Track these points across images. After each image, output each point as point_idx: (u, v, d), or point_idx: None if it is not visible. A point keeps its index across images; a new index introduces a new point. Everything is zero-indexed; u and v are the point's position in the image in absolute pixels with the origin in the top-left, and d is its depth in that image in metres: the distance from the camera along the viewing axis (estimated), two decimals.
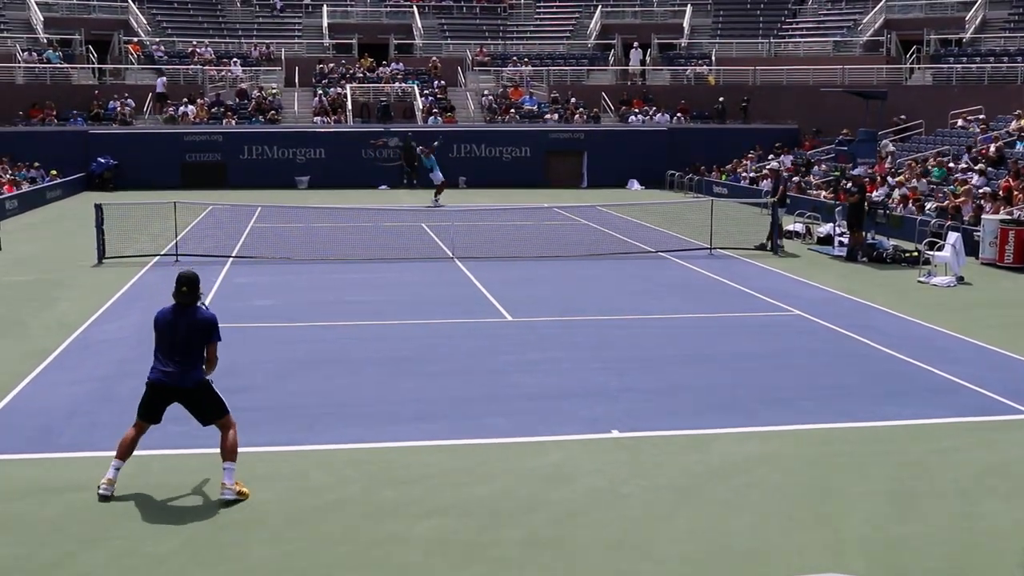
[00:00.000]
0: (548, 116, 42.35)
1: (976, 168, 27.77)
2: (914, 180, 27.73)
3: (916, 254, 20.81)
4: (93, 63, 43.07)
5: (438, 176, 32.77)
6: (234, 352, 13.13)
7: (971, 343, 13.88)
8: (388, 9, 49.45)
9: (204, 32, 47.28)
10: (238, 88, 42.85)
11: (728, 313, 15.88)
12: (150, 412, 8.41)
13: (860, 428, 10.12)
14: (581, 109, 42.49)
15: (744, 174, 36.95)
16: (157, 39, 45.45)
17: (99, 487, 8.13)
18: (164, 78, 41.66)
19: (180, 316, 8.34)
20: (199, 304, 8.56)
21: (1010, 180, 24.68)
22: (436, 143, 33.91)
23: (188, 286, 8.35)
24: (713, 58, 45.67)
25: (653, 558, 7.16)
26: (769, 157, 37.70)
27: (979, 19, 42.91)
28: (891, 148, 33.45)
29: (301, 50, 46.85)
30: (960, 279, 18.79)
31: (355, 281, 18.55)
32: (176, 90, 41.53)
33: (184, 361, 8.29)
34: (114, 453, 8.32)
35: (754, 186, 33.90)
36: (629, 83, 45.48)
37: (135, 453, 9.29)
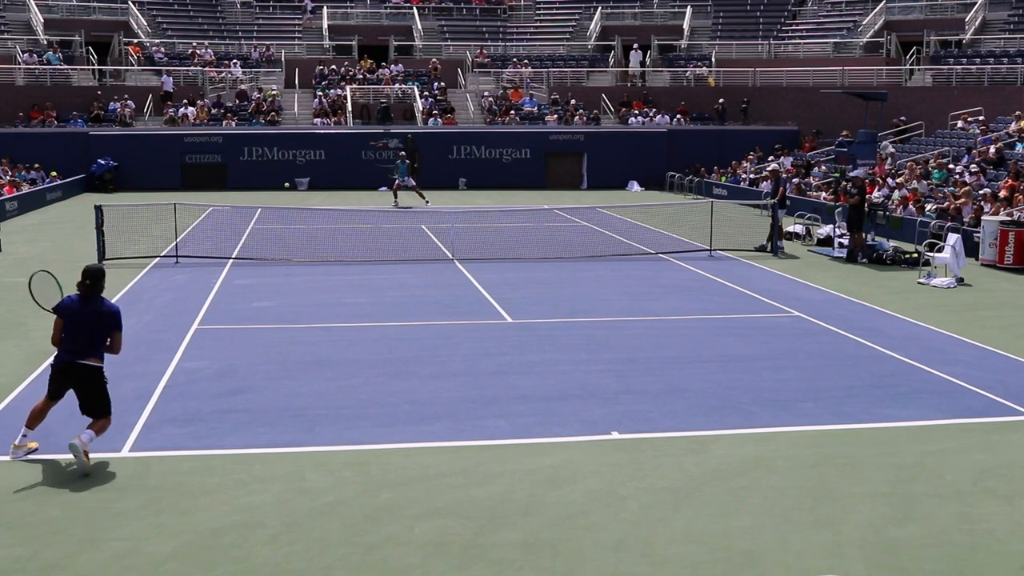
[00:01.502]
0: (548, 118, 42.36)
1: (975, 172, 27.78)
2: (914, 181, 27.74)
3: (916, 255, 20.82)
4: (93, 65, 43.09)
5: (407, 180, 33.15)
6: (233, 354, 13.16)
7: (971, 344, 13.89)
8: (388, 10, 49.47)
9: (204, 33, 47.30)
10: (238, 89, 42.87)
11: (728, 315, 15.88)
12: (55, 389, 9.26)
13: (859, 430, 10.12)
14: (581, 111, 42.50)
15: (744, 175, 36.96)
16: (157, 40, 45.47)
17: (12, 451, 9.08)
18: (170, 78, 41.67)
19: (85, 305, 9.18)
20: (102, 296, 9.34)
21: (1010, 181, 24.69)
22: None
23: (91, 279, 9.22)
24: (713, 59, 45.68)
25: (652, 560, 7.17)
26: (769, 158, 37.70)
27: (979, 20, 42.93)
28: (891, 149, 33.46)
29: (301, 51, 46.86)
30: (960, 280, 18.79)
31: (354, 283, 18.56)
32: (176, 91, 41.55)
33: (88, 345, 9.11)
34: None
35: (754, 187, 33.91)
36: (629, 84, 45.49)
37: (135, 454, 9.34)
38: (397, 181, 33.27)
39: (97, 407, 9.09)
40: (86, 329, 9.09)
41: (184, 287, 17.91)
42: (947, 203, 24.97)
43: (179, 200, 23.95)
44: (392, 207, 31.81)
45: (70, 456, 9.21)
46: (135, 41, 44.70)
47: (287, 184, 38.16)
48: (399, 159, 33.93)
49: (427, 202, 32.33)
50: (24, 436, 9.16)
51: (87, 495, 8.28)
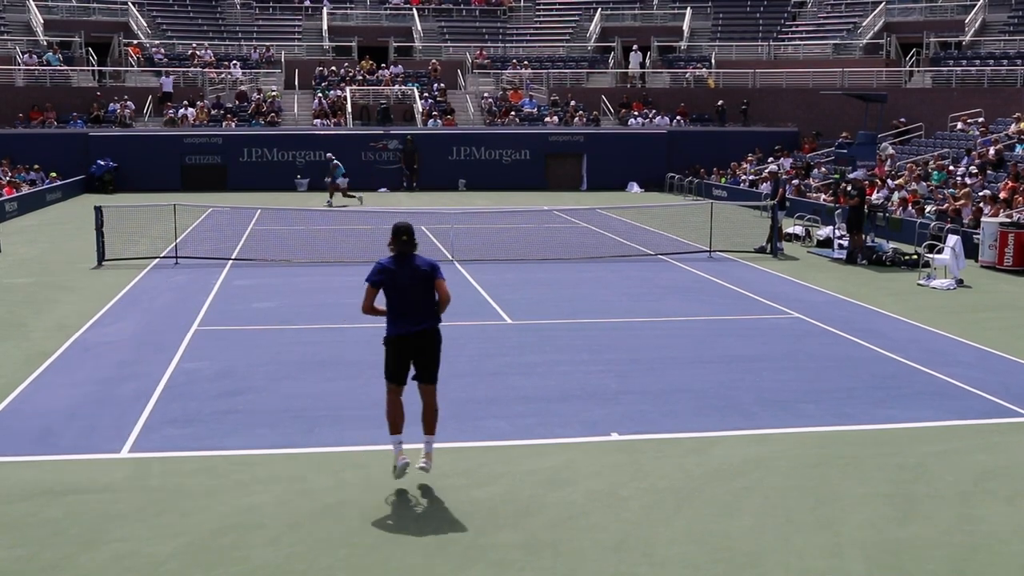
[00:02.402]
0: (548, 119, 42.37)
1: (975, 173, 27.80)
2: (914, 183, 27.75)
3: (916, 257, 20.83)
4: (93, 65, 43.10)
5: (342, 181, 33.90)
6: (233, 354, 13.15)
7: (971, 346, 13.89)
8: (388, 12, 49.48)
9: (204, 34, 47.30)
10: (238, 90, 42.88)
11: (727, 316, 15.88)
12: (399, 371, 8.46)
13: (860, 431, 10.12)
14: (581, 112, 42.52)
15: (744, 177, 36.97)
16: (157, 41, 45.48)
17: (394, 467, 8.35)
18: (170, 78, 41.67)
19: (403, 266, 8.44)
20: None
21: (1010, 182, 24.70)
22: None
23: (407, 234, 8.55)
24: (713, 61, 45.70)
25: (653, 560, 7.16)
26: (769, 160, 37.70)
27: (979, 22, 42.94)
28: (891, 151, 33.49)
29: (301, 53, 46.87)
30: (960, 282, 18.79)
31: (354, 283, 18.44)
32: (176, 92, 41.55)
33: (422, 309, 8.38)
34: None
35: (754, 189, 33.91)
36: (629, 86, 45.51)
37: (136, 455, 9.32)
38: (334, 182, 33.81)
39: (435, 371, 8.54)
40: (414, 292, 8.38)
41: (184, 288, 17.90)
42: (947, 205, 24.98)
43: (179, 201, 23.95)
44: (325, 206, 32.24)
45: (74, 458, 9.21)
46: (135, 42, 44.70)
47: (299, 176, 38.48)
48: (334, 164, 34.32)
49: (360, 201, 33.01)
50: (399, 445, 8.42)
51: (87, 496, 8.27)
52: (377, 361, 12.82)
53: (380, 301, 8.52)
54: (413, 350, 8.37)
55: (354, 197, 33.72)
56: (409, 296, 8.34)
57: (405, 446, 8.44)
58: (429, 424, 8.56)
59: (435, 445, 9.69)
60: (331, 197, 33.63)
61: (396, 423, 8.45)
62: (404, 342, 8.34)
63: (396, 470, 8.34)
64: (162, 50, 44.61)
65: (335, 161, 34.47)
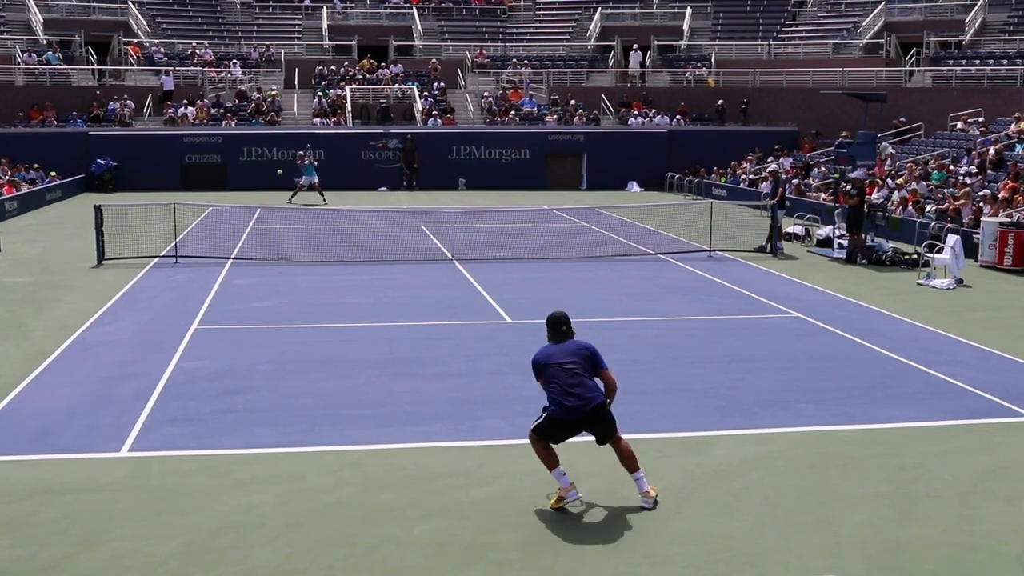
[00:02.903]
0: (548, 118, 42.36)
1: (975, 173, 27.80)
2: (913, 182, 27.75)
3: (915, 256, 20.82)
4: (93, 64, 43.08)
5: (311, 179, 33.86)
6: (233, 354, 13.15)
7: (970, 345, 13.88)
8: (388, 11, 49.47)
9: (204, 34, 47.28)
10: (238, 90, 42.86)
11: (727, 315, 15.88)
12: (558, 437, 8.28)
13: (859, 430, 10.12)
14: (581, 111, 42.50)
15: (743, 176, 36.97)
16: (157, 40, 45.46)
17: (563, 502, 8.07)
18: (170, 77, 41.65)
19: (560, 349, 8.41)
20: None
21: (1010, 182, 24.70)
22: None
23: (567, 324, 8.51)
24: (713, 60, 45.69)
25: (652, 560, 7.16)
26: (768, 159, 37.70)
27: (979, 22, 42.93)
28: (891, 150, 33.48)
29: (301, 52, 46.86)
30: (959, 281, 18.79)
31: (354, 283, 18.55)
32: (176, 92, 41.53)
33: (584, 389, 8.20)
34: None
35: (753, 188, 33.91)
36: (629, 85, 45.49)
37: (135, 454, 9.32)
38: (304, 181, 33.82)
39: (612, 430, 8.32)
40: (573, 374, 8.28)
41: (183, 287, 17.90)
42: (947, 204, 24.97)
43: (179, 200, 23.95)
44: (287, 202, 32.51)
45: (73, 457, 9.21)
46: (135, 41, 44.69)
47: (279, 171, 37.88)
48: (309, 162, 34.27)
49: (325, 201, 32.97)
50: (563, 476, 8.17)
51: (86, 495, 8.27)
52: (377, 360, 12.89)
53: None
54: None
55: (322, 196, 33.53)
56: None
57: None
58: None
59: (435, 445, 9.71)
60: (293, 195, 33.68)
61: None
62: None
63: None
64: (162, 49, 44.59)
65: (304, 155, 34.40)
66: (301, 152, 35.15)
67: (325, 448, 9.52)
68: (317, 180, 33.73)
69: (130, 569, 7.00)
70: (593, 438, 8.31)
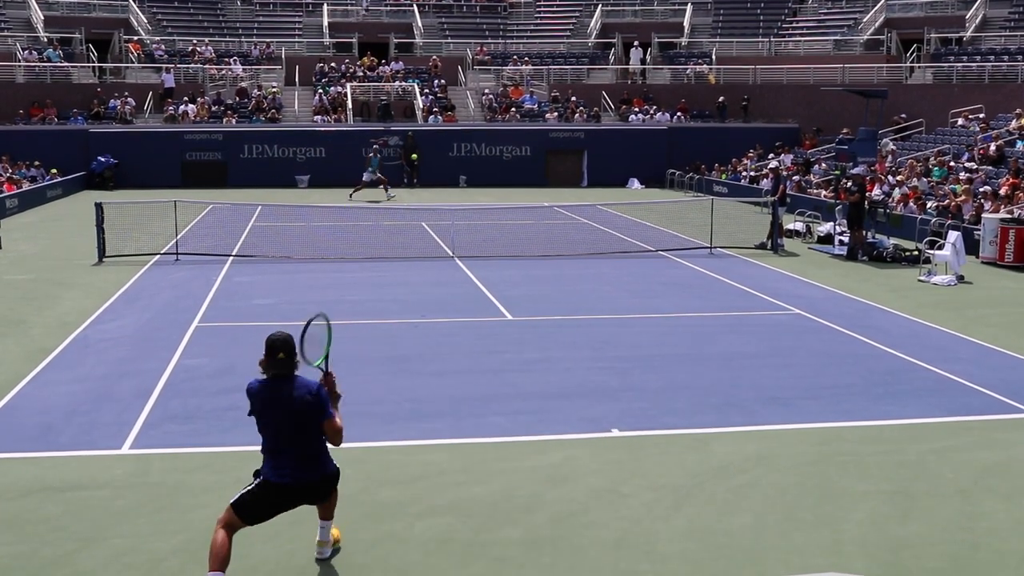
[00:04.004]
0: (548, 115, 42.34)
1: (975, 169, 27.78)
2: (914, 179, 27.73)
3: (916, 253, 20.82)
4: (93, 62, 43.07)
5: (373, 175, 34.37)
6: (233, 351, 13.14)
7: (971, 342, 13.88)
8: (388, 8, 49.44)
9: (204, 31, 47.28)
10: (238, 87, 42.84)
11: (728, 312, 15.88)
12: (257, 516, 6.69)
13: (860, 427, 10.12)
14: (581, 108, 42.48)
15: (744, 173, 36.95)
16: (157, 38, 45.46)
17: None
18: (171, 74, 41.63)
19: (276, 391, 6.57)
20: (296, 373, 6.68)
21: (1011, 178, 24.69)
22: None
23: (285, 351, 6.64)
24: (713, 57, 45.66)
25: (653, 557, 7.16)
26: (769, 156, 37.69)
27: (979, 18, 42.89)
28: (891, 147, 33.44)
29: (301, 49, 46.84)
30: (960, 278, 18.78)
31: (355, 280, 18.55)
32: (176, 89, 41.52)
33: (301, 452, 6.61)
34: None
35: (754, 185, 33.88)
36: (629, 82, 45.47)
37: (136, 452, 9.32)
38: (367, 177, 34.24)
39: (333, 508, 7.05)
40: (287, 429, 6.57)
41: (184, 284, 17.90)
42: (947, 201, 24.96)
43: (179, 197, 23.94)
44: (386, 201, 32.79)
45: (74, 454, 9.21)
46: (135, 38, 44.68)
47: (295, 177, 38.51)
48: (374, 155, 34.92)
49: (391, 197, 33.56)
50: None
51: (87, 493, 8.28)
52: (378, 357, 12.89)
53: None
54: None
55: (387, 192, 34.04)
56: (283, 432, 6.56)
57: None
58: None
59: (436, 442, 9.71)
60: (357, 190, 33.92)
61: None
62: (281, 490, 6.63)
63: None
64: (162, 46, 44.58)
65: (377, 149, 35.05)
66: (376, 146, 35.57)
67: None
68: (382, 175, 34.17)
69: (131, 566, 7.00)
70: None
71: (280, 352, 6.59)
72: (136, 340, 13.73)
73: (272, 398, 6.53)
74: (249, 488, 6.62)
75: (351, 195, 33.37)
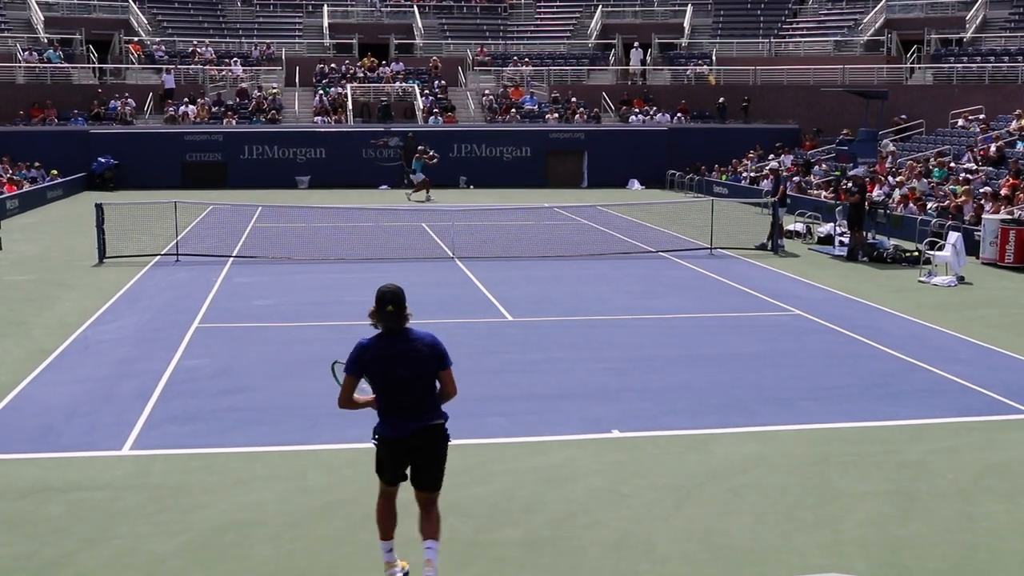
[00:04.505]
0: (548, 116, 42.34)
1: (974, 170, 27.77)
2: (914, 180, 27.73)
3: (917, 254, 20.81)
4: (94, 63, 43.08)
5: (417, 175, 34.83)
6: (234, 352, 13.15)
7: (972, 343, 13.88)
8: (389, 9, 49.45)
9: (205, 32, 47.29)
10: (239, 88, 42.85)
11: (728, 313, 15.88)
12: (392, 472, 6.76)
13: (860, 428, 10.12)
14: (582, 109, 42.48)
15: (744, 174, 36.95)
16: (158, 39, 45.46)
17: None
18: (171, 75, 41.63)
19: (391, 345, 6.63)
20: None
21: (1011, 179, 24.68)
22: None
23: (395, 304, 6.69)
24: (714, 58, 45.66)
25: (653, 558, 7.16)
26: (769, 157, 37.68)
27: (980, 19, 42.90)
28: (892, 148, 33.44)
29: (302, 50, 46.85)
30: (961, 279, 18.78)
31: (355, 281, 18.54)
32: (176, 90, 41.53)
33: (414, 404, 6.58)
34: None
35: (754, 186, 33.88)
36: (630, 83, 45.47)
37: (137, 453, 9.32)
38: (415, 177, 34.66)
39: (438, 476, 6.80)
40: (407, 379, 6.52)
41: (184, 285, 17.90)
42: (948, 201, 24.96)
43: (179, 198, 23.96)
44: (425, 201, 33.38)
45: (75, 455, 9.21)
46: (135, 39, 44.69)
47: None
48: (418, 158, 35.18)
49: (427, 199, 33.69)
50: (390, 552, 6.84)
51: (88, 494, 8.28)
52: None
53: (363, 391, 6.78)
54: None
55: (427, 194, 34.40)
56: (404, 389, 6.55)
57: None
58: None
59: None
60: (415, 191, 34.48)
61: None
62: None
63: None
64: (163, 47, 44.59)
65: (423, 149, 35.45)
66: (422, 148, 35.93)
67: (326, 446, 9.52)
68: (424, 176, 34.50)
69: (131, 567, 7.01)
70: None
71: (389, 304, 6.66)
72: (136, 341, 13.73)
73: (386, 352, 6.58)
74: (376, 453, 6.75)
75: (410, 197, 34.12)
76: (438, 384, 6.67)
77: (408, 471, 6.77)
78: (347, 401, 6.73)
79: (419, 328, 6.86)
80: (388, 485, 6.78)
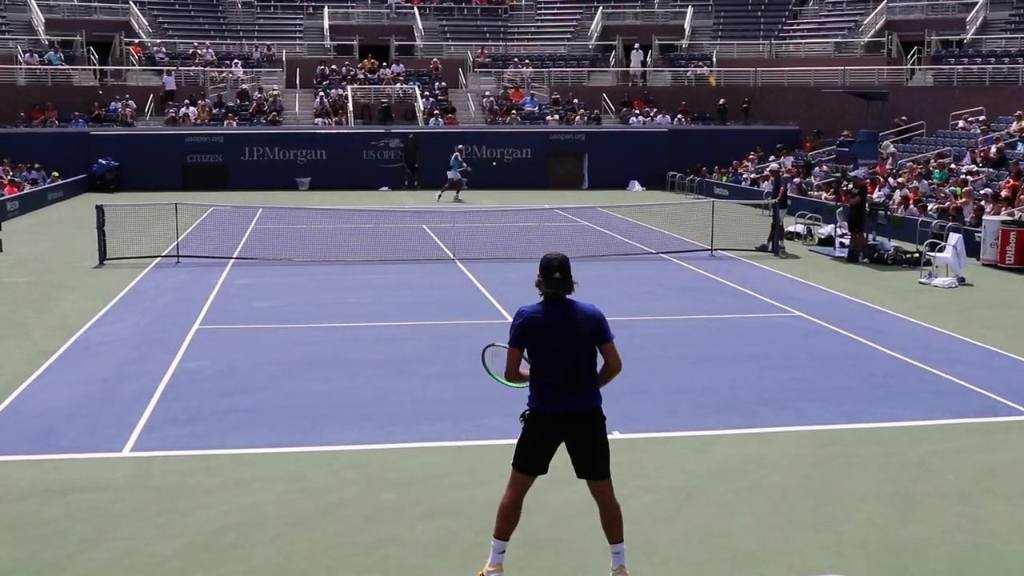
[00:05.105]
0: (549, 117, 42.35)
1: (975, 172, 27.77)
2: (915, 181, 27.73)
3: (917, 255, 20.81)
4: (94, 64, 43.10)
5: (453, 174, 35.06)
6: (234, 353, 13.15)
7: (972, 344, 13.87)
8: (389, 10, 49.46)
9: (205, 33, 47.32)
10: (239, 89, 42.87)
11: (729, 314, 15.87)
12: (536, 459, 6.40)
13: (861, 429, 10.11)
14: (582, 110, 42.50)
15: (745, 175, 36.95)
16: (158, 40, 45.49)
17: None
18: (172, 77, 41.65)
19: (552, 314, 6.40)
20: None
21: (1011, 181, 24.68)
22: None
23: (562, 271, 6.41)
24: (714, 59, 45.67)
25: (654, 559, 7.16)
26: (770, 158, 37.68)
27: (980, 20, 42.92)
28: (892, 149, 33.45)
29: (302, 51, 46.86)
30: (961, 280, 18.78)
31: (355, 282, 18.55)
32: (177, 91, 41.55)
33: (574, 378, 6.32)
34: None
35: (755, 187, 33.89)
36: (630, 84, 45.49)
37: (137, 454, 9.31)
38: (451, 175, 34.89)
39: (604, 459, 6.53)
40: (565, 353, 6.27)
41: (185, 287, 17.90)
42: (948, 203, 24.95)
43: (180, 200, 23.96)
44: (453, 202, 33.73)
45: (75, 457, 9.21)
46: (136, 41, 44.71)
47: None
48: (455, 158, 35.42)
49: (455, 199, 34.20)
50: (501, 554, 6.53)
51: (88, 495, 8.27)
52: (379, 360, 12.88)
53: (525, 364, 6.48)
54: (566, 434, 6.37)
55: (456, 194, 34.70)
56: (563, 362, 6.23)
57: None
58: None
59: (437, 444, 9.69)
60: (444, 191, 34.78)
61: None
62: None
63: None
64: (163, 49, 44.61)
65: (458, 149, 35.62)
66: (461, 148, 36.09)
67: (326, 448, 9.51)
68: (459, 177, 34.83)
69: (132, 569, 7.00)
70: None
71: (556, 272, 6.34)
72: (137, 342, 13.73)
73: (548, 321, 6.32)
74: (520, 435, 6.32)
75: (439, 197, 34.50)
76: (599, 360, 6.34)
77: (558, 461, 6.32)
78: (514, 373, 6.45)
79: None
80: (524, 474, 6.35)
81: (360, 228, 25.69)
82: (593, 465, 6.42)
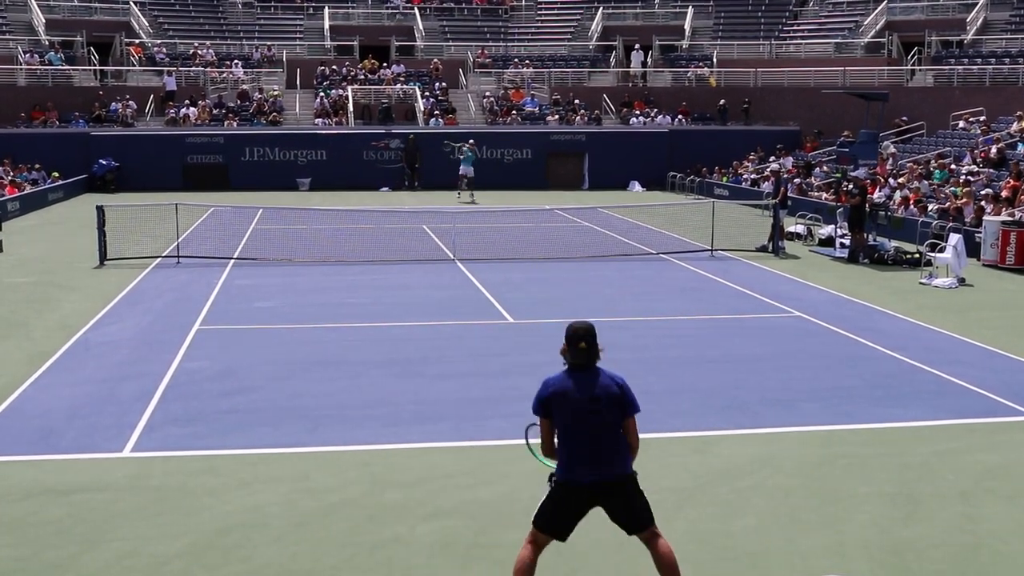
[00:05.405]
0: (549, 118, 42.35)
1: (976, 172, 27.77)
2: (915, 182, 27.73)
3: (917, 256, 20.81)
4: (95, 65, 43.10)
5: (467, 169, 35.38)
6: (235, 354, 13.15)
7: (973, 344, 13.87)
8: (389, 11, 49.46)
9: (206, 34, 47.32)
10: (239, 90, 42.86)
11: (729, 315, 15.87)
12: (558, 525, 6.25)
13: (862, 430, 10.11)
14: (582, 111, 42.50)
15: (745, 176, 36.95)
16: (159, 41, 45.49)
17: None
18: (173, 77, 41.65)
19: (577, 382, 6.33)
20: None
21: (1012, 181, 24.68)
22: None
23: (587, 341, 6.39)
24: (714, 60, 45.67)
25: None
26: (770, 159, 37.69)
27: (980, 21, 42.91)
28: (892, 150, 33.45)
29: (303, 52, 46.86)
30: (961, 281, 18.78)
31: (356, 283, 18.55)
32: (177, 92, 41.54)
33: (599, 447, 6.17)
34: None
35: (755, 188, 33.90)
36: (630, 85, 45.48)
37: (138, 455, 9.31)
38: (463, 170, 35.24)
39: (645, 510, 6.30)
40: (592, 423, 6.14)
41: (185, 287, 17.91)
42: (948, 203, 24.96)
43: (180, 200, 23.96)
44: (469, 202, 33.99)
45: (76, 457, 9.21)
46: (136, 41, 44.70)
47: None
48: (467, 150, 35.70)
49: (470, 201, 34.40)
50: None
51: (90, 496, 8.27)
52: (381, 360, 12.88)
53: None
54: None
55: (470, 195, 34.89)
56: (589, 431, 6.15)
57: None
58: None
59: (440, 445, 9.69)
60: (461, 189, 35.13)
61: None
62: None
63: None
64: (164, 49, 44.61)
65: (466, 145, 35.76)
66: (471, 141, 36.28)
67: (329, 448, 9.52)
68: (472, 173, 35.11)
69: (133, 569, 7.00)
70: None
71: (582, 341, 6.32)
72: (137, 343, 13.73)
73: (574, 391, 6.25)
74: (545, 496, 6.25)
75: (459, 195, 34.92)
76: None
77: (587, 520, 6.23)
78: (549, 446, 6.27)
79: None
80: (544, 535, 6.26)
81: (360, 228, 25.69)
82: (636, 521, 6.27)
